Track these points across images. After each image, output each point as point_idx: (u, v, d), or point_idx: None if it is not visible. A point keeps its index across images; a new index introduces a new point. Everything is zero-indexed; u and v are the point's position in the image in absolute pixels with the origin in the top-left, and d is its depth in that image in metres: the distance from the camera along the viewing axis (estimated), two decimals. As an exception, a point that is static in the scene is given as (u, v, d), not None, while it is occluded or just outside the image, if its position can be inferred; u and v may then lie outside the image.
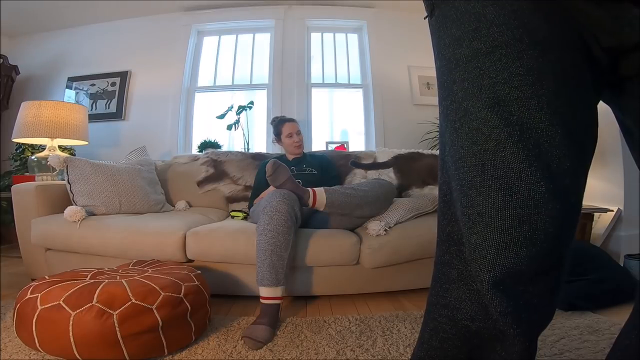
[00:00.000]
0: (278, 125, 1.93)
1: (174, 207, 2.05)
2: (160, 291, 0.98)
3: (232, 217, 1.87)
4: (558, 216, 0.39)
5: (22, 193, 1.62)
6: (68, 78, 3.02)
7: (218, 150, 2.41)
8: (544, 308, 0.45)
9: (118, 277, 1.07)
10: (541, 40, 0.39)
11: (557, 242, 0.40)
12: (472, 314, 0.45)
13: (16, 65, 2.93)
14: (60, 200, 1.65)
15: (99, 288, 0.93)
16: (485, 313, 0.43)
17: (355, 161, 1.98)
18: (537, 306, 0.43)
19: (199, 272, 1.20)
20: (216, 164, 2.19)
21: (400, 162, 1.86)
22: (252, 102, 2.72)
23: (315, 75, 3.01)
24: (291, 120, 1.95)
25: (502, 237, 0.40)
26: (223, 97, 3.02)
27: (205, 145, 2.62)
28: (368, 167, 1.96)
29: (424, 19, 0.51)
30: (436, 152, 1.98)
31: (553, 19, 0.40)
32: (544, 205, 0.39)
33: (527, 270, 0.40)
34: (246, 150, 2.69)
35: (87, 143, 2.26)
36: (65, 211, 1.50)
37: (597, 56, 0.41)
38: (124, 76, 2.95)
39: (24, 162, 2.50)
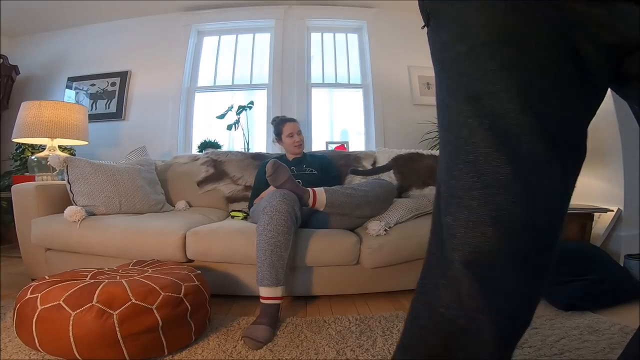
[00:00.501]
0: (279, 124, 1.93)
1: (174, 207, 2.05)
2: (160, 291, 0.98)
3: (232, 217, 1.87)
4: (523, 198, 0.40)
5: (22, 193, 1.62)
6: (68, 78, 3.02)
7: (218, 150, 2.41)
8: (518, 301, 0.45)
9: (118, 277, 1.07)
10: (518, 38, 0.41)
11: (525, 224, 0.41)
12: (447, 300, 0.45)
13: (16, 65, 2.93)
14: (60, 200, 1.65)
15: (99, 288, 0.93)
16: (460, 300, 0.44)
17: (354, 169, 1.98)
18: (511, 297, 0.43)
19: (199, 272, 1.21)
20: (216, 164, 2.19)
21: (400, 163, 1.86)
22: (252, 102, 2.72)
23: (315, 75, 3.01)
24: (292, 120, 1.95)
25: (469, 216, 0.42)
26: (223, 97, 3.02)
27: (205, 145, 2.61)
28: (368, 173, 1.96)
29: (422, 28, 0.54)
30: (436, 152, 1.98)
31: (537, 17, 0.41)
32: (508, 186, 0.40)
33: (495, 251, 0.41)
34: (246, 150, 2.69)
35: (87, 143, 2.26)
36: (65, 211, 1.50)
37: (588, 54, 0.42)
38: (124, 76, 2.95)
39: (24, 162, 2.50)
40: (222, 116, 2.68)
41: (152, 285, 0.99)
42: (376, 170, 1.95)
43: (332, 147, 2.77)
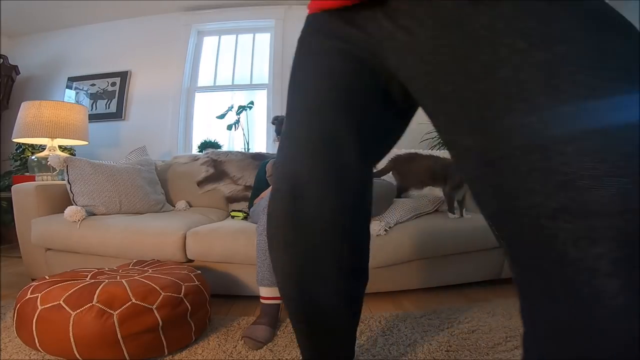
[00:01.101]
0: (281, 124, 1.93)
1: (174, 207, 2.05)
2: (161, 291, 0.98)
3: (232, 217, 1.87)
4: (284, 197, 0.57)
5: (22, 193, 1.62)
6: (68, 78, 3.02)
7: (218, 150, 2.41)
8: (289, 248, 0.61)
9: (118, 277, 1.07)
10: (297, 83, 0.61)
11: (293, 209, 0.56)
12: None
13: (16, 65, 2.94)
14: (60, 200, 1.65)
15: (99, 288, 0.93)
16: None
17: None
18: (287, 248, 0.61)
19: (199, 272, 1.21)
20: (216, 164, 2.19)
21: (398, 164, 1.86)
22: (252, 102, 2.72)
23: (315, 75, 3.00)
24: (293, 120, 1.94)
25: (270, 200, 0.61)
26: (223, 97, 3.02)
27: (205, 145, 2.62)
28: None
29: None
30: (435, 152, 1.98)
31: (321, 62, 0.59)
32: (279, 197, 0.58)
33: (278, 216, 0.59)
34: (246, 150, 2.69)
35: (87, 143, 2.26)
36: (65, 211, 1.50)
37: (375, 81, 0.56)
38: (124, 76, 2.95)
39: (24, 162, 2.51)
40: (222, 116, 2.68)
41: (152, 285, 0.99)
42: (375, 174, 1.94)
43: (332, 147, 2.77)
